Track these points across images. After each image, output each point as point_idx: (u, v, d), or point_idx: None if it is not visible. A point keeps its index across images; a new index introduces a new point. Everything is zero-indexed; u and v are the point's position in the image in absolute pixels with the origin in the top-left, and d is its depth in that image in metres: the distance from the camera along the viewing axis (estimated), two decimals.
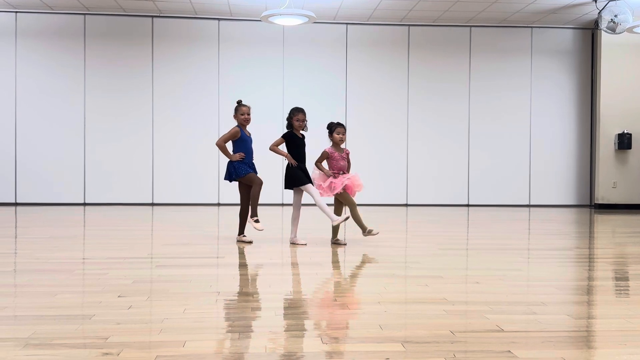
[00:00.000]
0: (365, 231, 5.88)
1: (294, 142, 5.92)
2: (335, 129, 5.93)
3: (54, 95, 11.07)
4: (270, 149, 5.93)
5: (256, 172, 6.13)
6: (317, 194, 5.78)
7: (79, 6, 10.72)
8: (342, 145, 6.04)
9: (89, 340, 2.69)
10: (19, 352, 2.51)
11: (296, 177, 5.83)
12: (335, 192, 5.80)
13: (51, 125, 11.04)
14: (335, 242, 5.94)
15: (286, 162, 5.93)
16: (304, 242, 5.90)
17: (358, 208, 5.88)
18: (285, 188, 5.99)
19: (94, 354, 2.49)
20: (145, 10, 11.01)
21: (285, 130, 5.99)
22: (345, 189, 5.86)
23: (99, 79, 11.12)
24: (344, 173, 5.90)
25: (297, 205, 5.96)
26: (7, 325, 3.00)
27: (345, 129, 5.97)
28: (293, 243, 5.92)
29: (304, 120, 5.90)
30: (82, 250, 5.64)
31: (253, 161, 6.16)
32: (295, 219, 5.96)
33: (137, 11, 11.05)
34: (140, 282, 4.06)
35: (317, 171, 5.91)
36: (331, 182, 5.80)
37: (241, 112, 6.07)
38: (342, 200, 5.95)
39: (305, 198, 5.90)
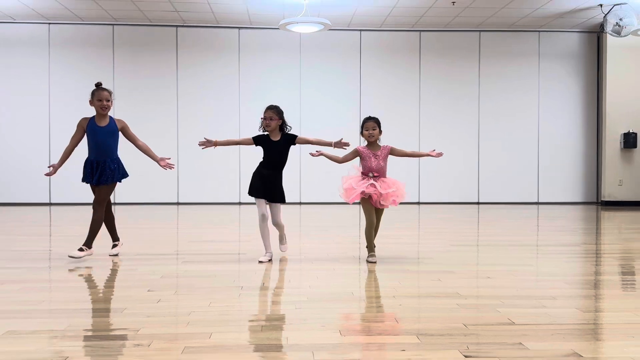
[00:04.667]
0: (369, 254, 4.85)
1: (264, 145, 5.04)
2: (363, 124, 4.95)
3: (85, 102, 11.33)
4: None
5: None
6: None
7: (107, 17, 11.10)
8: (381, 143, 4.96)
9: (121, 332, 2.77)
10: (56, 342, 2.62)
11: (252, 186, 4.94)
12: (350, 200, 4.81)
13: None
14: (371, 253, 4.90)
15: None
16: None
17: (374, 229, 4.91)
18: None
19: (126, 345, 2.58)
20: (169, 21, 11.33)
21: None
22: (372, 200, 4.82)
23: (127, 85, 11.49)
24: (375, 176, 4.83)
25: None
26: (44, 318, 3.10)
27: (375, 123, 4.93)
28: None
29: (269, 118, 5.00)
30: None
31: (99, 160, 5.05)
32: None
33: (162, 21, 11.38)
34: (168, 277, 4.15)
35: (354, 170, 4.94)
36: (350, 186, 4.79)
37: (98, 98, 4.92)
38: (364, 209, 4.88)
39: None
